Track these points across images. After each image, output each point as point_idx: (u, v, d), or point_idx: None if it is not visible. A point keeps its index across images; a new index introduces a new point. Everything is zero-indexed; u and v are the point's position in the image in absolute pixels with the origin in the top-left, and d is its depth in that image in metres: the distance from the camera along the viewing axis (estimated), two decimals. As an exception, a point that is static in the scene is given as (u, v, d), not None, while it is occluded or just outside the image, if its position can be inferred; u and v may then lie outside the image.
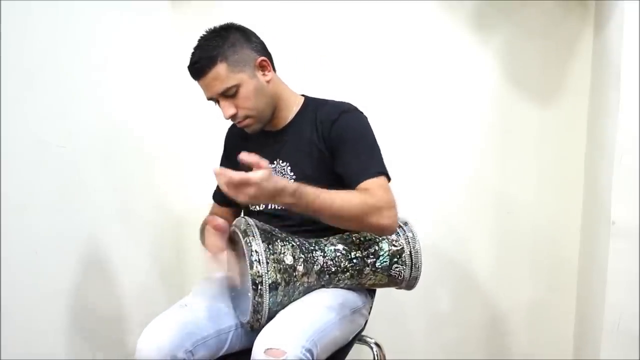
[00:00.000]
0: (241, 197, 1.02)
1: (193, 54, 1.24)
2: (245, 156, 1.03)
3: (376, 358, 1.39)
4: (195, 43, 1.25)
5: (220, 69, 1.20)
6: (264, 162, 1.03)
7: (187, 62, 1.25)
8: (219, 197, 1.48)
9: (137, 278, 1.75)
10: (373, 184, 1.17)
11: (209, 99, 1.27)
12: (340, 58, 1.83)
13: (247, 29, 1.29)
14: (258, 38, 1.29)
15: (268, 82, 1.26)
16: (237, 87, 1.22)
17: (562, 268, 1.81)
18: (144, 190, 1.78)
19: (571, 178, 1.76)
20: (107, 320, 1.63)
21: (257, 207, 1.32)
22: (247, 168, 1.35)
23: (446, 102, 1.81)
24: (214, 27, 1.26)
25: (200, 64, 1.21)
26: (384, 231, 1.19)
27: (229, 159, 1.44)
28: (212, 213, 1.44)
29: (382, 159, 1.23)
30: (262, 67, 1.26)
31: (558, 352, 1.84)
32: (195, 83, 1.26)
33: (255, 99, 1.24)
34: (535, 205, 1.80)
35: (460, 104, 1.80)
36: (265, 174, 1.01)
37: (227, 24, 1.28)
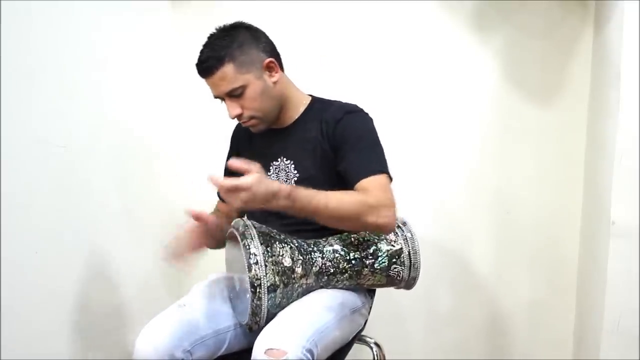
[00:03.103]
0: (235, 203, 1.03)
1: (202, 52, 1.23)
2: (234, 163, 1.05)
3: (376, 358, 1.39)
4: (195, 42, 1.25)
5: (228, 69, 1.20)
6: (255, 167, 1.04)
7: (195, 59, 1.24)
8: None
9: (137, 278, 1.75)
10: (372, 182, 1.17)
11: (216, 97, 1.27)
12: (340, 58, 1.83)
13: (257, 28, 1.28)
14: (267, 38, 1.29)
15: (275, 83, 1.27)
16: (243, 88, 1.22)
17: (562, 268, 1.80)
18: (144, 190, 1.78)
19: (571, 178, 1.76)
20: (107, 320, 1.63)
21: None
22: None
23: (446, 102, 1.81)
24: (224, 26, 1.25)
25: (207, 64, 1.21)
26: (382, 230, 1.19)
27: (234, 157, 1.44)
28: (216, 210, 1.45)
29: (384, 158, 1.23)
30: (269, 69, 1.26)
31: (558, 352, 1.83)
32: (199, 81, 1.26)
33: (260, 101, 1.25)
34: (535, 205, 1.80)
35: (460, 104, 1.80)
36: (256, 179, 1.02)
37: (237, 22, 1.27)
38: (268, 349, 1.01)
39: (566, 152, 1.76)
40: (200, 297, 1.24)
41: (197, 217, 1.20)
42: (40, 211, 1.36)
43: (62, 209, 1.43)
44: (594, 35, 1.68)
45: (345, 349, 1.25)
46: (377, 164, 1.21)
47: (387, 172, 1.21)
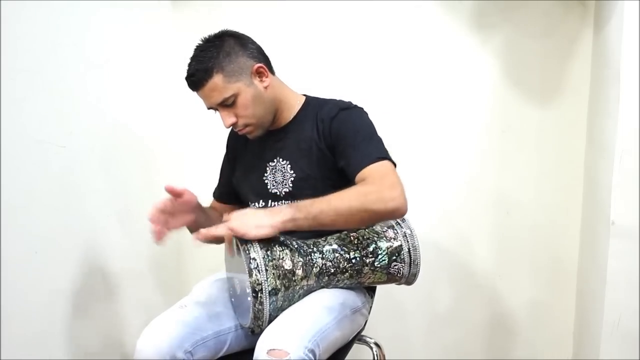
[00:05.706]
0: (238, 231, 1.10)
1: (189, 65, 1.23)
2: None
3: (376, 358, 1.39)
4: (195, 43, 1.25)
5: (217, 80, 1.20)
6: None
7: (185, 73, 1.24)
8: (218, 193, 1.48)
9: (136, 278, 1.75)
10: (373, 169, 1.15)
11: (209, 108, 1.27)
12: (340, 58, 1.83)
13: (242, 35, 1.28)
14: (254, 43, 1.28)
15: (266, 88, 1.26)
16: (234, 96, 1.22)
17: (562, 268, 1.81)
18: (143, 190, 1.78)
19: (571, 178, 1.76)
20: (106, 320, 1.63)
21: (257, 204, 1.32)
22: (248, 165, 1.36)
23: (446, 102, 1.81)
24: (209, 36, 1.25)
25: (196, 77, 1.21)
26: (395, 215, 1.17)
27: (231, 160, 1.44)
28: (211, 209, 1.45)
29: (383, 146, 1.22)
30: (259, 74, 1.25)
31: (558, 352, 1.84)
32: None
33: (253, 107, 1.25)
34: (535, 205, 1.80)
35: (460, 103, 1.80)
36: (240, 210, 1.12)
37: (222, 31, 1.27)
38: (270, 350, 1.01)
39: (566, 152, 1.76)
40: (201, 298, 1.24)
41: (171, 191, 1.24)
42: (40, 211, 1.36)
43: (61, 209, 1.43)
44: (594, 35, 1.68)
45: (345, 349, 1.25)
46: (376, 152, 1.19)
47: (389, 158, 1.19)
